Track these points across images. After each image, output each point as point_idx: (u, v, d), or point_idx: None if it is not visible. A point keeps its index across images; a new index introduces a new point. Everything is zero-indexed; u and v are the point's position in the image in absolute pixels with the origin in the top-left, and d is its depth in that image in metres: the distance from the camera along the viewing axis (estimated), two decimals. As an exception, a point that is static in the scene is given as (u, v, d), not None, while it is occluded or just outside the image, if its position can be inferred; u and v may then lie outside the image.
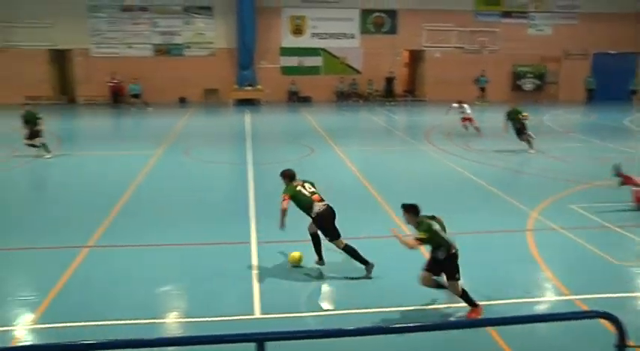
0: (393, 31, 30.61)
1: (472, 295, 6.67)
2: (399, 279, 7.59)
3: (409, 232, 7.20)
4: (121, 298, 7.10)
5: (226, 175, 14.54)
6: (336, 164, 15.02)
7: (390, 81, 29.83)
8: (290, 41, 30.21)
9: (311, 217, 7.75)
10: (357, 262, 7.76)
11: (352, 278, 7.70)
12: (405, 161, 16.18)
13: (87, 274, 7.84)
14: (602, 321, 3.59)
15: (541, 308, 7.13)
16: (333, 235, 7.72)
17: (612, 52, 31.06)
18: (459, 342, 6.05)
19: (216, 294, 7.27)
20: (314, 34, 30.31)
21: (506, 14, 31.09)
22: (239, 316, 6.66)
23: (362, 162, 15.51)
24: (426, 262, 6.65)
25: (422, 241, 6.42)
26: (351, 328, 3.60)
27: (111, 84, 27.68)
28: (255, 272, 7.89)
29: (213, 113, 26.66)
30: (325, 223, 7.70)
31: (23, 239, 9.17)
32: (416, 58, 32.31)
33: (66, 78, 29.98)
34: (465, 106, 19.43)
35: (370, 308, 6.72)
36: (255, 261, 8.26)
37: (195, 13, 29.39)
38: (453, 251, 6.50)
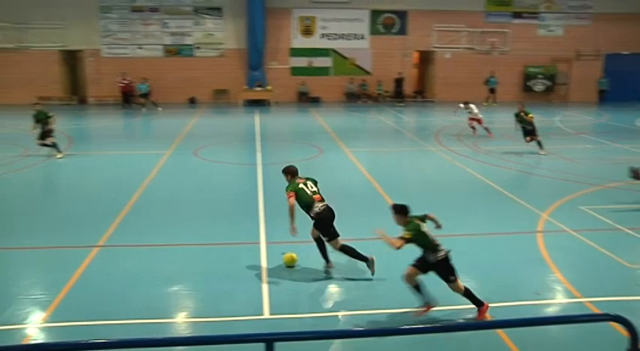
0: (402, 31, 30.56)
1: (481, 296, 6.63)
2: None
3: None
4: (130, 298, 7.13)
5: (236, 175, 14.56)
6: (345, 165, 15.01)
7: (399, 82, 29.78)
8: (300, 42, 30.25)
9: (310, 216, 7.75)
10: (358, 260, 7.74)
11: (361, 279, 7.69)
12: (415, 162, 16.15)
13: (97, 273, 7.88)
14: (614, 324, 3.56)
15: (551, 310, 7.07)
16: (331, 236, 7.72)
17: (625, 52, 30.83)
18: (468, 344, 6.03)
19: (226, 294, 7.28)
20: (324, 35, 30.32)
21: (517, 15, 30.93)
22: (248, 316, 6.66)
23: (371, 163, 15.50)
24: (416, 258, 6.58)
25: (407, 240, 6.36)
26: (360, 329, 3.59)
27: (121, 84, 27.83)
28: (264, 272, 7.90)
29: (222, 114, 26.73)
30: (324, 223, 7.71)
31: (35, 238, 9.24)
32: (425, 58, 32.24)
33: (77, 78, 30.21)
34: (472, 106, 19.28)
35: (379, 309, 6.71)
36: (264, 261, 8.27)
37: (205, 14, 29.51)
38: (441, 257, 6.41)
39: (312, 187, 7.87)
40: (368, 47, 30.65)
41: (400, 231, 6.52)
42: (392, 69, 30.07)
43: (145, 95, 27.45)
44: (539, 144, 16.20)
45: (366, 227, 9.77)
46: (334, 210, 7.84)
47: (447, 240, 9.17)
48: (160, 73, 28.97)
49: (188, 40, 29.63)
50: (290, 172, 8.05)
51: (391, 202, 11.18)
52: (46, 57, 28.37)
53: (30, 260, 8.49)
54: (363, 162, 15.25)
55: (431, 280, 6.71)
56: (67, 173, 14.62)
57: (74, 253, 8.51)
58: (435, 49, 30.89)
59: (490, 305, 6.64)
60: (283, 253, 8.16)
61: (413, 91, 31.93)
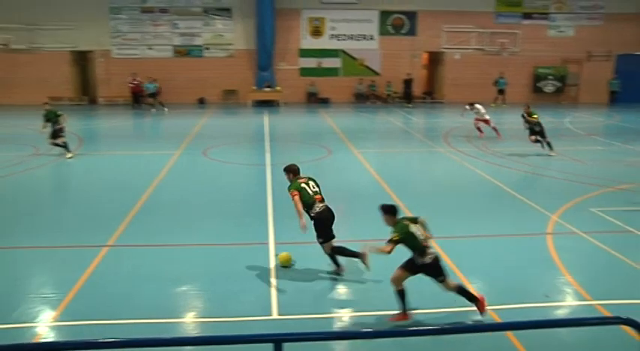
0: (412, 32, 30.51)
1: (490, 298, 6.61)
2: (417, 282, 7.54)
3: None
4: (139, 298, 7.17)
5: (245, 175, 14.59)
6: (353, 165, 14.99)
7: (408, 83, 29.71)
8: (309, 43, 30.27)
9: (310, 215, 7.74)
10: (353, 258, 7.76)
11: (369, 280, 7.68)
12: (423, 163, 16.12)
13: (107, 272, 7.92)
14: (625, 328, 3.53)
15: (561, 313, 7.04)
16: (326, 238, 7.72)
17: (637, 53, 30.59)
18: (477, 346, 6.00)
19: (234, 294, 7.29)
20: (333, 36, 30.33)
21: (527, 15, 30.79)
22: (256, 316, 6.68)
23: (380, 164, 15.48)
24: (405, 261, 6.54)
25: (396, 242, 6.32)
26: (369, 330, 3.59)
27: (131, 85, 27.97)
28: (272, 273, 7.91)
29: (231, 114, 26.80)
30: (323, 224, 7.71)
31: (45, 238, 9.31)
32: (435, 59, 32.16)
33: (87, 79, 30.41)
34: (478, 106, 19.07)
35: (387, 310, 6.68)
36: (272, 262, 8.28)
37: (215, 15, 29.60)
38: (428, 260, 6.37)
39: (313, 187, 7.88)
40: (377, 48, 30.62)
41: (389, 232, 6.48)
42: (401, 70, 30.02)
43: (153, 95, 27.58)
44: (549, 145, 16.12)
45: (374, 228, 9.77)
46: (334, 212, 7.83)
47: (455, 241, 9.19)
48: (170, 73, 29.11)
49: (197, 41, 29.74)
50: (291, 171, 8.07)
51: (399, 202, 11.19)
52: (57, 58, 28.59)
53: (40, 259, 8.55)
54: (371, 163, 15.23)
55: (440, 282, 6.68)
56: (77, 173, 14.71)
57: (84, 253, 8.56)
58: (445, 50, 30.81)
59: (499, 307, 6.62)
60: (277, 254, 8.20)
61: (422, 92, 31.87)
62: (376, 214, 10.51)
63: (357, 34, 30.37)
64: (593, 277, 7.98)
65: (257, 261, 8.28)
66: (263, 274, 7.85)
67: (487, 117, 18.96)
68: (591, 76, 30.98)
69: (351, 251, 7.75)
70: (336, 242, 7.82)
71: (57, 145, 15.71)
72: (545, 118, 22.78)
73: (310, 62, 30.42)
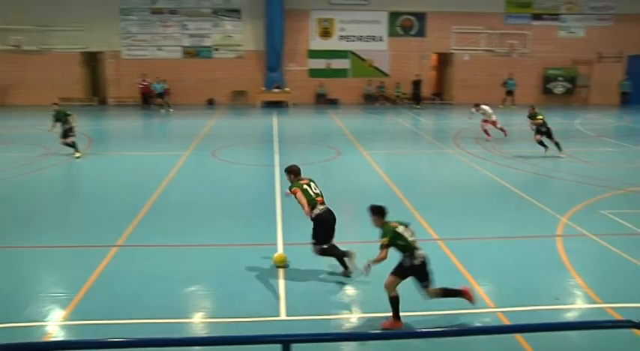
0: (421, 33, 30.45)
1: (499, 301, 6.57)
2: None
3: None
4: (148, 298, 7.19)
5: (253, 176, 14.61)
6: (362, 167, 14.98)
7: (416, 84, 29.66)
8: (318, 44, 30.29)
9: (311, 217, 7.74)
10: (341, 258, 7.78)
11: (378, 282, 7.64)
12: (432, 165, 16.08)
13: (116, 272, 7.96)
14: (637, 331, 3.50)
15: (571, 316, 6.99)
16: (320, 240, 7.73)
17: (649, 54, 30.43)
18: (486, 348, 5.97)
19: (243, 295, 7.31)
20: (342, 37, 30.34)
21: (537, 16, 30.65)
22: (265, 317, 6.68)
23: (389, 165, 15.46)
24: (395, 266, 6.49)
25: (387, 245, 6.29)
26: (377, 331, 3.58)
27: (141, 86, 28.11)
28: (280, 274, 7.91)
29: (240, 115, 26.86)
30: (323, 226, 7.71)
31: (55, 238, 9.38)
32: (444, 60, 32.09)
33: (97, 80, 30.59)
34: (484, 107, 18.87)
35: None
36: (349, 250, 8.21)
37: (224, 16, 29.69)
38: (418, 262, 6.33)
39: (315, 189, 7.88)
40: (386, 49, 30.60)
41: (378, 235, 6.47)
42: (410, 71, 29.97)
43: (161, 95, 27.71)
44: (557, 145, 15.97)
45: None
46: (335, 214, 7.83)
47: (464, 243, 9.16)
48: (179, 74, 29.24)
49: (207, 42, 29.85)
50: (293, 172, 8.09)
51: (408, 204, 11.17)
52: (68, 59, 28.80)
53: (50, 259, 8.61)
54: (380, 164, 15.21)
55: (442, 282, 6.66)
56: (86, 173, 14.79)
57: (93, 253, 8.61)
58: (454, 51, 30.73)
59: (508, 309, 6.58)
60: (272, 255, 8.22)
61: (431, 93, 31.81)
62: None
63: (366, 35, 30.36)
64: (603, 279, 7.92)
65: (265, 262, 8.29)
66: (271, 275, 7.85)
67: (494, 118, 18.79)
68: (602, 77, 30.78)
69: (339, 251, 7.77)
70: (341, 244, 7.83)
71: (67, 144, 15.83)
72: (555, 120, 22.68)
73: (319, 63, 30.44)
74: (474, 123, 20.45)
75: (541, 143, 16.04)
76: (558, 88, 31.17)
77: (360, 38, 30.40)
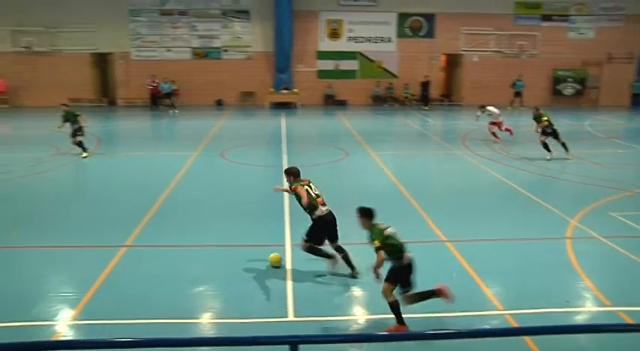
0: (430, 34, 30.38)
1: (508, 303, 6.53)
2: (433, 285, 7.50)
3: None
4: (156, 298, 7.22)
5: (262, 177, 14.63)
6: (371, 168, 14.96)
7: (425, 85, 29.59)
8: (326, 45, 30.30)
9: (312, 217, 7.78)
10: (323, 258, 7.85)
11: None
12: (441, 166, 16.03)
13: (124, 273, 8.00)
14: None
15: (581, 319, 6.93)
16: (316, 240, 7.79)
17: (660, 55, 30.20)
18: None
19: (250, 295, 7.32)
20: (350, 38, 30.32)
21: (547, 17, 30.50)
22: (272, 318, 6.69)
23: (397, 166, 15.43)
24: (387, 272, 6.45)
25: (380, 247, 6.26)
26: (384, 333, 3.57)
27: (150, 87, 28.22)
28: (289, 275, 7.92)
29: (249, 116, 26.90)
30: (324, 227, 7.76)
31: (64, 237, 9.43)
32: (453, 62, 32.00)
33: (107, 81, 30.75)
34: (490, 108, 18.70)
35: (404, 314, 6.65)
36: (289, 263, 8.29)
37: (233, 17, 29.76)
38: (406, 262, 6.32)
39: (315, 190, 7.93)
40: (395, 50, 30.55)
41: (366, 237, 6.51)
42: (419, 72, 29.91)
43: (168, 95, 27.83)
44: (565, 146, 15.79)
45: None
46: (335, 217, 7.86)
47: (473, 244, 9.12)
48: (188, 75, 29.35)
49: (216, 43, 29.93)
50: (292, 173, 8.12)
51: (416, 205, 11.15)
52: (78, 60, 28.96)
53: (59, 259, 8.65)
54: (389, 165, 15.18)
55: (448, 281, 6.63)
56: (96, 173, 14.87)
57: (102, 253, 8.65)
58: (463, 53, 30.64)
59: (516, 312, 6.53)
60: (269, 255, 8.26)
61: (440, 94, 31.73)
62: (392, 216, 10.48)
63: (374, 36, 30.33)
64: (614, 282, 7.86)
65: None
66: (279, 276, 7.86)
67: (500, 119, 18.59)
68: (612, 78, 30.57)
69: (324, 252, 7.87)
70: (349, 245, 7.84)
71: (76, 143, 15.97)
72: (564, 121, 22.56)
73: (328, 64, 30.44)
74: (482, 124, 20.35)
75: (545, 146, 15.80)
76: (568, 90, 30.98)
77: (368, 39, 30.37)
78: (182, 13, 29.45)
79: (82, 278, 7.77)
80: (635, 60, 30.77)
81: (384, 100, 30.44)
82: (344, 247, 7.91)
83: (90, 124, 17.55)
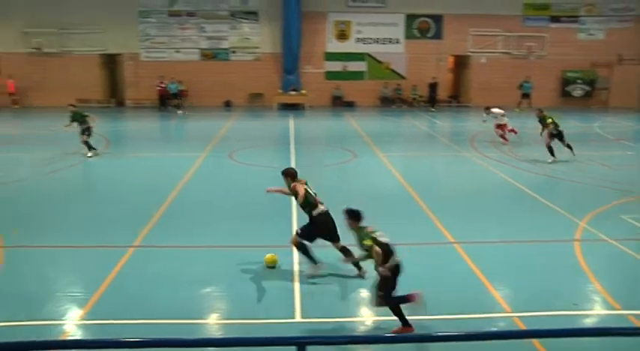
0: (438, 36, 30.32)
1: (517, 305, 6.50)
2: (441, 287, 7.49)
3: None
4: (162, 298, 7.24)
5: (270, 178, 14.59)
6: (379, 169, 14.94)
7: (433, 87, 29.53)
8: (334, 46, 30.30)
9: (311, 216, 7.83)
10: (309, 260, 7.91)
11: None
12: (449, 168, 15.98)
13: (132, 273, 8.03)
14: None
15: (590, 322, 6.89)
16: (307, 237, 7.88)
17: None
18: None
19: (258, 296, 7.33)
20: (358, 39, 30.31)
21: (555, 19, 30.36)
22: (279, 319, 6.69)
23: (405, 168, 15.40)
24: (377, 283, 6.40)
25: (372, 245, 6.29)
26: (392, 334, 3.56)
27: (159, 88, 28.33)
28: (296, 276, 7.92)
29: (257, 117, 26.94)
30: (322, 226, 7.82)
31: (73, 238, 9.47)
32: (461, 63, 31.91)
33: (115, 82, 30.89)
34: (495, 110, 18.62)
35: (411, 316, 6.63)
36: (296, 265, 8.29)
37: (242, 18, 29.83)
38: (394, 263, 6.30)
39: (312, 189, 8.04)
40: (403, 51, 30.51)
41: (354, 239, 6.57)
42: (427, 73, 29.84)
43: (176, 95, 27.94)
44: (569, 147, 15.57)
45: (398, 232, 9.71)
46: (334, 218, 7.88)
47: (481, 246, 9.09)
48: (197, 76, 29.44)
49: (224, 44, 30.01)
50: (290, 175, 8.17)
51: (424, 207, 11.12)
52: (87, 61, 29.13)
53: (69, 259, 8.70)
54: (397, 167, 15.16)
55: (450, 285, 6.60)
56: (104, 174, 14.94)
57: (111, 253, 8.68)
58: (471, 54, 30.54)
59: (525, 314, 6.49)
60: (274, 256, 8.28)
61: (448, 95, 31.64)
62: (400, 218, 10.48)
63: (382, 37, 30.30)
64: (623, 285, 7.80)
65: (281, 263, 8.29)
66: (287, 277, 7.87)
67: (505, 121, 18.50)
68: (622, 79, 30.35)
69: (311, 254, 7.90)
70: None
71: (85, 142, 16.10)
72: (572, 123, 22.48)
73: (336, 66, 30.44)
74: (490, 126, 20.29)
75: (550, 150, 15.57)
76: (577, 91, 30.81)
77: (376, 41, 30.35)
78: (191, 15, 29.55)
79: (90, 278, 7.80)
80: (646, 61, 30.56)
81: (392, 102, 30.40)
82: (349, 247, 7.90)
83: (98, 124, 17.66)
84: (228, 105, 30.06)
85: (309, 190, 7.94)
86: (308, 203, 7.81)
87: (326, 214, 7.82)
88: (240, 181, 13.87)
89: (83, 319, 6.70)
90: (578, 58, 30.30)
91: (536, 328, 6.03)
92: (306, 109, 28.87)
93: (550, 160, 15.45)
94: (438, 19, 30.17)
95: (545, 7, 30.21)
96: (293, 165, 15.03)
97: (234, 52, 30.09)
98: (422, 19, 30.20)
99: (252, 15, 29.79)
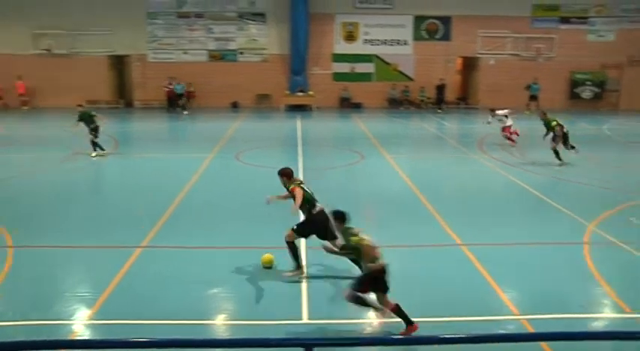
0: (446, 37, 30.25)
1: (523, 307, 6.47)
2: (448, 289, 7.47)
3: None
4: (169, 299, 7.25)
5: (277, 180, 14.62)
6: (386, 171, 14.91)
7: (440, 88, 29.47)
8: (342, 47, 30.30)
9: (310, 214, 7.88)
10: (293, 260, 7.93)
11: (400, 287, 7.59)
12: (457, 170, 15.92)
13: (139, 273, 8.05)
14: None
15: (598, 325, 6.84)
16: (301, 234, 7.93)
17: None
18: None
19: (265, 297, 7.33)
20: (366, 41, 30.29)
21: (565, 20, 30.20)
22: (287, 320, 6.69)
23: (412, 169, 15.36)
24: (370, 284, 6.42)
25: (362, 245, 6.37)
26: (399, 336, 3.55)
27: (167, 89, 28.44)
28: (303, 277, 7.91)
29: (264, 118, 26.98)
30: (313, 226, 7.89)
31: (81, 238, 9.50)
32: (469, 65, 31.82)
33: (124, 82, 31.04)
34: (500, 112, 18.51)
35: (418, 318, 6.61)
36: (304, 266, 8.28)
37: (249, 20, 29.89)
38: (382, 262, 6.31)
39: (309, 189, 8.12)
40: (411, 53, 30.46)
41: (341, 239, 6.66)
42: (435, 75, 29.79)
43: (181, 96, 28.03)
44: (573, 148, 15.50)
45: (405, 234, 9.70)
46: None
47: (489, 248, 9.05)
48: (204, 77, 29.53)
49: (232, 46, 30.08)
50: (286, 174, 8.25)
51: (431, 209, 11.08)
52: (96, 62, 29.29)
53: (77, 259, 8.73)
54: (404, 168, 15.12)
55: (452, 287, 6.56)
56: (112, 175, 15.01)
57: (118, 253, 8.71)
58: (479, 55, 30.45)
59: (532, 317, 6.46)
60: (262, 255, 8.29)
61: (456, 97, 31.57)
62: (407, 219, 10.46)
63: (390, 39, 30.27)
64: (633, 288, 7.72)
65: (288, 265, 8.28)
66: (294, 278, 7.85)
67: (509, 123, 18.38)
68: (633, 81, 30.13)
69: (299, 257, 7.94)
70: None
71: (96, 143, 16.17)
72: (582, 125, 22.35)
73: (343, 67, 30.44)
74: (498, 128, 20.21)
75: (556, 153, 15.44)
76: (586, 93, 30.61)
77: (384, 42, 30.32)
78: (198, 16, 29.64)
79: (98, 278, 7.83)
80: (657, 63, 30.33)
81: (399, 103, 30.36)
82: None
83: (107, 125, 17.74)
84: (235, 106, 30.11)
85: (305, 189, 7.99)
86: (307, 202, 7.88)
87: (320, 214, 7.89)
88: (247, 182, 13.88)
89: (91, 319, 6.72)
90: (587, 59, 30.11)
91: (544, 331, 5.99)
92: (314, 110, 28.88)
93: (558, 163, 15.35)
94: (446, 20, 30.11)
95: (555, 8, 30.07)
96: (300, 166, 15.04)
97: (241, 53, 30.15)
98: (430, 20, 30.14)
99: (259, 16, 29.84)
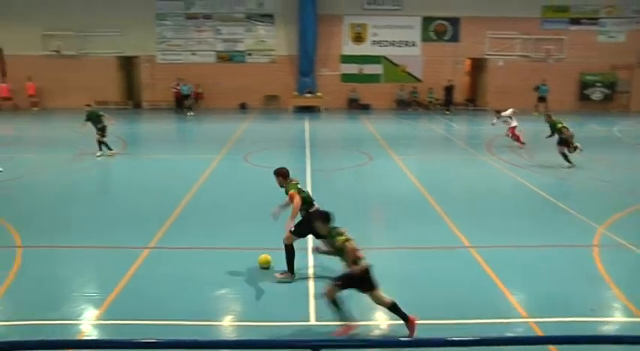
0: (455, 38, 30.18)
1: (531, 310, 6.42)
2: (456, 291, 7.43)
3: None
4: (176, 300, 7.26)
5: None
6: (394, 172, 14.88)
7: (449, 90, 29.39)
8: (350, 49, 30.29)
9: (308, 213, 7.84)
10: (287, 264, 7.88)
11: (407, 288, 7.59)
12: (465, 171, 15.85)
13: (147, 274, 8.06)
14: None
15: (609, 329, 6.78)
16: (300, 234, 7.90)
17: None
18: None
19: (272, 299, 7.32)
20: (374, 42, 30.27)
21: (575, 21, 30.03)
22: (294, 321, 6.67)
23: (420, 171, 15.31)
24: (340, 276, 6.41)
25: (346, 245, 6.31)
26: (407, 338, 3.53)
27: (175, 90, 28.53)
28: (311, 278, 7.91)
29: (272, 119, 27.01)
30: (309, 226, 7.77)
31: (89, 238, 9.54)
32: (478, 66, 31.71)
33: (132, 83, 31.18)
34: (504, 113, 18.42)
35: (426, 319, 6.58)
36: (311, 268, 8.28)
37: (258, 21, 29.96)
38: (364, 264, 6.27)
39: (305, 189, 8.18)
40: (419, 54, 30.41)
41: (329, 239, 6.57)
42: (443, 76, 29.72)
43: (187, 97, 28.12)
44: (576, 148, 15.40)
45: (413, 236, 9.67)
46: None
47: (497, 251, 9.00)
48: (213, 79, 29.61)
49: (240, 47, 30.15)
50: (282, 174, 8.24)
51: (440, 210, 11.04)
52: (105, 63, 29.46)
53: (84, 259, 8.76)
54: (412, 170, 15.08)
55: (456, 290, 6.52)
56: (120, 175, 15.07)
57: (126, 254, 8.74)
58: (488, 57, 30.34)
59: (541, 320, 6.41)
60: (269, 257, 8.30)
61: (464, 99, 31.47)
62: (415, 221, 10.42)
63: (399, 40, 30.23)
64: (642, 291, 7.67)
65: (296, 266, 8.27)
66: (301, 279, 7.85)
67: (515, 124, 18.29)
68: (645, 82, 29.90)
69: (292, 261, 7.88)
70: (373, 250, 7.79)
71: (104, 143, 16.23)
72: (592, 127, 22.21)
73: (352, 68, 30.44)
74: (504, 130, 20.12)
75: (564, 156, 15.31)
76: (596, 94, 30.41)
77: (392, 43, 30.29)
78: (207, 17, 29.74)
79: (106, 279, 7.85)
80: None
81: (408, 105, 30.31)
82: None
83: (115, 126, 17.82)
84: (243, 107, 30.17)
85: (302, 190, 8.02)
86: (306, 203, 7.88)
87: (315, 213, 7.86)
88: (255, 183, 13.88)
89: (99, 319, 6.74)
90: (597, 60, 29.91)
91: (552, 335, 5.95)
92: (322, 111, 28.88)
93: (567, 166, 15.24)
94: (454, 21, 30.03)
95: (565, 10, 29.90)
96: (308, 168, 15.05)
97: (250, 54, 30.21)
98: (438, 21, 30.08)
99: (267, 18, 29.90)
